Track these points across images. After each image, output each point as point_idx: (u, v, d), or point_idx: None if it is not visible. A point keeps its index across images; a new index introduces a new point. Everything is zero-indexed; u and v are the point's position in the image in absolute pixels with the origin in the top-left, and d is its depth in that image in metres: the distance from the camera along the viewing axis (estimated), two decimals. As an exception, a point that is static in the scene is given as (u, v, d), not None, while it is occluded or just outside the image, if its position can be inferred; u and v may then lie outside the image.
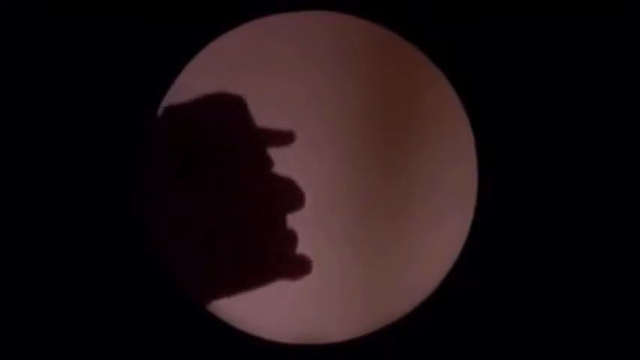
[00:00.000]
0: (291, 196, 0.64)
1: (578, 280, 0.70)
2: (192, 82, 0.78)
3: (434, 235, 0.86)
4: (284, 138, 0.66)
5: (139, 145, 0.68)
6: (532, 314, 0.69)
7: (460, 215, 0.77)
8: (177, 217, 0.63)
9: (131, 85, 0.69)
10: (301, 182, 0.66)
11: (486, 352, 0.69)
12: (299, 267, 0.64)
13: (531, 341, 0.69)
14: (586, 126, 0.70)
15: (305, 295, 0.83)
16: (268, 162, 0.65)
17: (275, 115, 0.69)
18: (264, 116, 0.66)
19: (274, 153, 0.65)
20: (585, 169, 0.70)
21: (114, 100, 0.69)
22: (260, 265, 0.63)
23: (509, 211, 0.69)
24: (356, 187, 0.85)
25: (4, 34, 0.69)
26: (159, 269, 0.67)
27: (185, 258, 0.63)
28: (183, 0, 0.70)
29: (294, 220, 0.65)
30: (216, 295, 0.64)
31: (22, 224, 0.68)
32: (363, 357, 0.69)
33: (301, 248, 0.65)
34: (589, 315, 0.70)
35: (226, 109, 0.64)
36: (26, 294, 0.68)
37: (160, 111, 0.64)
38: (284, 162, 0.66)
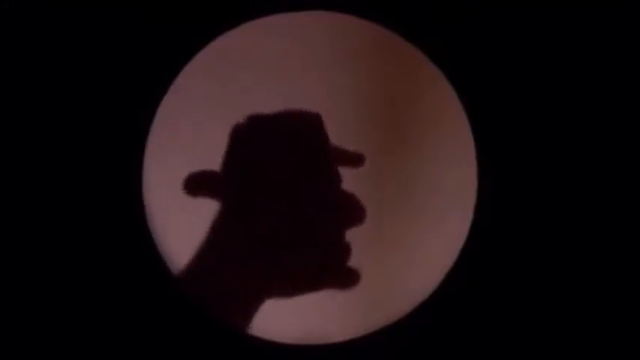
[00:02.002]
0: (354, 211, 0.66)
1: (577, 280, 0.70)
2: (192, 83, 0.78)
3: (434, 235, 0.86)
4: (354, 160, 0.68)
5: (139, 143, 0.68)
6: (532, 314, 0.69)
7: (460, 215, 0.77)
8: (239, 226, 0.64)
9: (131, 85, 0.69)
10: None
11: (486, 352, 0.69)
12: (349, 278, 0.66)
13: (531, 341, 0.69)
14: (586, 126, 0.70)
15: (305, 296, 0.83)
16: (337, 178, 0.66)
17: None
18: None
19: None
20: (585, 169, 0.70)
21: (113, 101, 0.69)
22: (311, 276, 0.65)
23: (509, 211, 0.69)
24: (356, 187, 0.85)
25: (4, 34, 0.69)
26: (161, 270, 0.67)
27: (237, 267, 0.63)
28: (183, 0, 0.70)
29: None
30: (265, 299, 0.65)
31: (22, 225, 0.68)
32: (363, 357, 0.69)
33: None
34: (589, 315, 0.70)
35: (303, 124, 0.66)
36: (33, 293, 0.68)
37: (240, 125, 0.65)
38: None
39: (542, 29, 0.70)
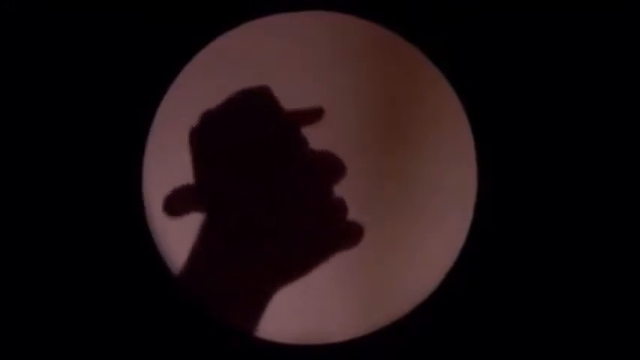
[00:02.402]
0: (332, 166, 0.65)
1: (577, 280, 0.70)
2: (192, 82, 0.78)
3: (434, 235, 0.86)
4: (314, 116, 0.67)
5: (139, 143, 0.68)
6: (532, 314, 0.69)
7: (460, 215, 0.77)
8: (225, 208, 0.63)
9: (131, 85, 0.69)
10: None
11: (486, 352, 0.70)
12: (352, 234, 0.65)
13: (531, 341, 0.69)
14: (586, 126, 0.70)
15: (305, 296, 0.83)
16: (304, 141, 0.65)
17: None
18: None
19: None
20: (585, 169, 0.70)
21: (113, 101, 0.69)
22: (313, 248, 0.64)
23: (509, 211, 0.69)
24: (356, 188, 0.85)
25: (4, 34, 0.69)
26: (161, 270, 0.67)
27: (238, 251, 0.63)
28: (183, 0, 0.70)
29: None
30: (277, 287, 0.64)
31: (22, 225, 0.68)
32: (363, 357, 0.69)
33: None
34: (589, 315, 0.70)
35: (253, 102, 0.65)
36: (33, 293, 0.68)
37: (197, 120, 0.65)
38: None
39: (542, 29, 0.70)
